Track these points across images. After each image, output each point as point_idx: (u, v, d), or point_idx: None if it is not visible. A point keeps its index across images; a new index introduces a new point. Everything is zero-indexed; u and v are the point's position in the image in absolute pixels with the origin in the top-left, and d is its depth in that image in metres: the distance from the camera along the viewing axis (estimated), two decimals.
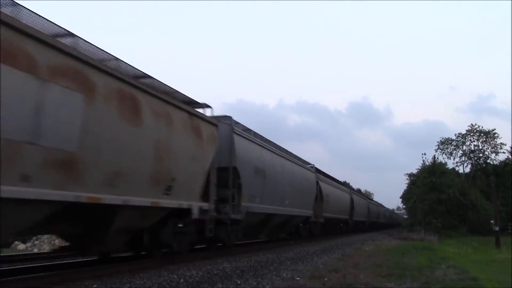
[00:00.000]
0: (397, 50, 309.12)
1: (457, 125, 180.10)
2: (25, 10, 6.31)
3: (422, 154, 54.41)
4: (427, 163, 39.35)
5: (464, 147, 50.52)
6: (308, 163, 23.96)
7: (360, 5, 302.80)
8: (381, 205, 66.34)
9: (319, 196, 23.72)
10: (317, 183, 23.84)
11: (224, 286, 7.28)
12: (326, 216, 25.06)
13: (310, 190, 21.95)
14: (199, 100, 11.85)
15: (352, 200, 35.17)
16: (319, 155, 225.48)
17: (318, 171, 25.92)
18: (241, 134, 13.65)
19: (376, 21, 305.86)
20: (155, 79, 9.25)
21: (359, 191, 67.60)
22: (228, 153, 12.29)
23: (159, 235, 9.45)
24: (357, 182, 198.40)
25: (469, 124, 66.04)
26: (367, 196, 66.33)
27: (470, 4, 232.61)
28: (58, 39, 6.66)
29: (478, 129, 49.49)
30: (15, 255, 12.61)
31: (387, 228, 62.35)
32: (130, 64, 8.54)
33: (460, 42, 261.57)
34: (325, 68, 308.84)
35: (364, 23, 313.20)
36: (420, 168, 41.42)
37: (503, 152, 47.97)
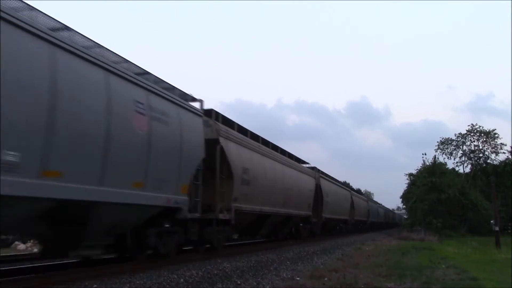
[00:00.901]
0: (395, 49, 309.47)
1: (456, 125, 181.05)
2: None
3: (423, 154, 54.49)
4: (428, 163, 39.41)
5: (464, 147, 50.57)
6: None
7: (358, 4, 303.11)
8: (374, 201, 59.36)
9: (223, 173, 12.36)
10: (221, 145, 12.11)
11: (224, 286, 7.29)
12: (247, 209, 13.60)
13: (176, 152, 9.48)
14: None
15: (319, 187, 23.50)
16: (319, 155, 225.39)
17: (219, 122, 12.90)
18: None
19: (374, 20, 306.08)
20: None
21: (359, 191, 60.21)
22: None
23: None
24: (357, 182, 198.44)
25: (469, 124, 66.16)
26: (362, 192, 58.19)
27: (468, 3, 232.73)
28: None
29: (478, 129, 49.55)
30: (15, 255, 12.60)
31: (380, 229, 54.93)
32: None
33: (458, 42, 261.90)
34: (323, 68, 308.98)
35: (362, 23, 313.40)
36: (420, 168, 41.47)
37: (503, 152, 48.03)
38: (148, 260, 9.35)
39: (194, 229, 10.77)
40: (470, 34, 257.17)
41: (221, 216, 11.96)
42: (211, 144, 11.43)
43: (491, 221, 27.02)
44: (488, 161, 48.94)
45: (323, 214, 23.92)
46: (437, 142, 52.37)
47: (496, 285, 8.04)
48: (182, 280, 7.57)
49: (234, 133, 13.75)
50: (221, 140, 12.24)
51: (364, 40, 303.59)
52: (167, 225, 9.71)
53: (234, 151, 13.14)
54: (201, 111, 11.10)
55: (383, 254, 14.24)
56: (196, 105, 10.89)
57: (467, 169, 50.95)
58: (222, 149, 12.18)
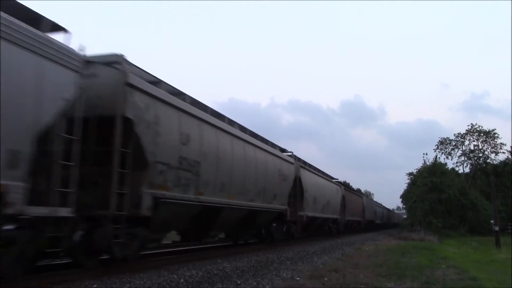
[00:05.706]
0: (388, 47, 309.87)
1: (451, 124, 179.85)
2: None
3: (424, 154, 54.43)
4: (428, 163, 39.39)
5: (464, 147, 50.56)
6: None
7: (352, 4, 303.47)
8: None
9: None
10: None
11: (224, 286, 7.28)
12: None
13: None
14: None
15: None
16: (316, 154, 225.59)
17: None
18: None
19: (367, 19, 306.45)
20: None
21: (358, 191, 56.45)
22: None
23: None
24: (356, 181, 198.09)
25: (464, 122, 66.05)
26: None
27: (463, 3, 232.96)
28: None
29: (478, 129, 49.55)
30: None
31: (382, 229, 51.65)
32: None
33: (452, 40, 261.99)
34: (316, 66, 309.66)
35: (356, 21, 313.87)
36: (420, 168, 41.45)
37: (503, 152, 48.02)
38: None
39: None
40: (464, 32, 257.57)
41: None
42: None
43: (491, 221, 27.02)
44: (488, 161, 48.98)
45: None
46: (437, 141, 52.43)
47: (496, 285, 8.04)
48: (182, 280, 7.57)
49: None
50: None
51: (357, 38, 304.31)
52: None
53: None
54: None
55: (383, 254, 14.24)
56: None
57: (467, 169, 51.01)
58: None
